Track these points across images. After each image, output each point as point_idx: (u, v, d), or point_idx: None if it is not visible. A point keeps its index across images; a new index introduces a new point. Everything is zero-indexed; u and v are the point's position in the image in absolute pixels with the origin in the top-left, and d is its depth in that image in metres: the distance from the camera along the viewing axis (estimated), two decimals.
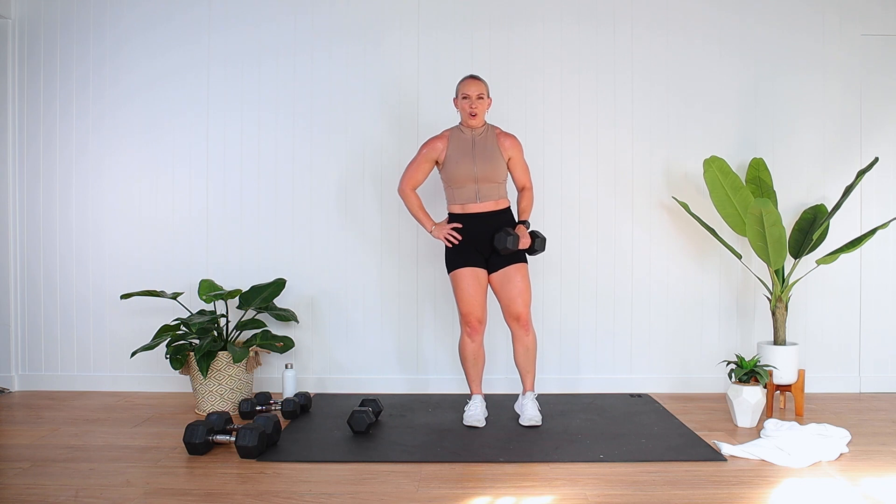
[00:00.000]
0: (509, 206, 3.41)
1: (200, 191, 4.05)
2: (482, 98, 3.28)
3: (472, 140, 3.33)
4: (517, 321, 3.35)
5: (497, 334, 3.95)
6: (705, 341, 4.07)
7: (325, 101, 4.03)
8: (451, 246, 3.34)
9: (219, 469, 2.77)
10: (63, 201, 4.08)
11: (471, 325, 3.33)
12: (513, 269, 3.32)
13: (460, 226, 3.33)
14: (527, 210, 3.43)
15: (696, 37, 4.04)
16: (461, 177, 3.29)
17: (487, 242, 3.33)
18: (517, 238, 3.26)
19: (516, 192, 3.51)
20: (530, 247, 3.35)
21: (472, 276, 3.31)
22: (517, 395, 3.67)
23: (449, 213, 3.42)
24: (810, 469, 2.78)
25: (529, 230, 3.39)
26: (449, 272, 3.37)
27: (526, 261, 3.38)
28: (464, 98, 3.28)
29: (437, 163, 3.38)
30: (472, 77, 3.32)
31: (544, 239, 3.42)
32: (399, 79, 4.03)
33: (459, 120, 3.39)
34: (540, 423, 3.31)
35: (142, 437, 3.20)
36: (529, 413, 3.33)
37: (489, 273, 3.36)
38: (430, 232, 3.39)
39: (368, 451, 2.99)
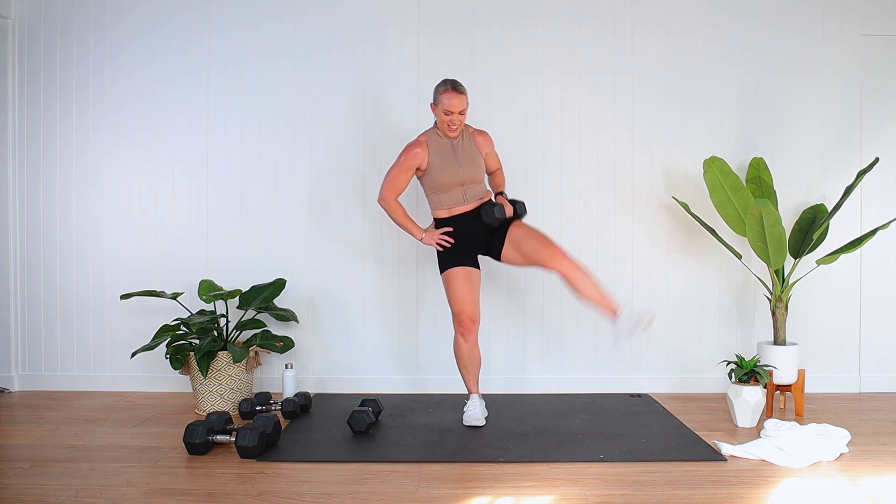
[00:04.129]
0: (491, 198, 3.44)
1: (200, 191, 4.05)
2: (463, 113, 3.23)
3: (451, 143, 3.31)
4: (556, 259, 3.18)
5: (494, 334, 3.95)
6: (705, 341, 4.07)
7: (326, 101, 4.03)
8: (442, 250, 3.35)
9: (219, 469, 2.77)
10: (63, 201, 4.08)
11: (463, 324, 3.32)
12: (515, 229, 3.34)
13: (451, 229, 3.33)
14: (501, 183, 3.51)
15: (696, 37, 4.04)
16: (448, 182, 3.28)
17: (479, 239, 3.34)
18: (502, 206, 3.31)
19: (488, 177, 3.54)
20: (514, 213, 3.40)
21: (464, 274, 3.31)
22: (518, 395, 3.67)
23: (435, 219, 3.39)
24: (810, 469, 2.78)
25: (507, 199, 3.44)
26: (441, 272, 3.37)
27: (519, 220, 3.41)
28: (446, 114, 3.21)
29: (417, 170, 3.32)
30: (455, 90, 3.19)
31: (523, 203, 3.47)
32: (399, 79, 4.03)
33: (434, 122, 3.34)
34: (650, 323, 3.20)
35: (142, 437, 3.20)
36: (631, 324, 3.16)
37: (500, 257, 3.37)
38: (421, 239, 3.36)
39: (368, 451, 2.99)
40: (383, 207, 3.38)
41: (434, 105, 3.26)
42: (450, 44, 4.02)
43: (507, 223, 3.36)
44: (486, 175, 3.42)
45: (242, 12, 4.03)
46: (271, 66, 4.03)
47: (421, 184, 3.41)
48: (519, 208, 3.43)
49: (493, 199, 3.42)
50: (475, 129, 3.40)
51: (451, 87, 3.21)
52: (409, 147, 3.30)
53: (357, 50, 4.03)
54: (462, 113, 3.22)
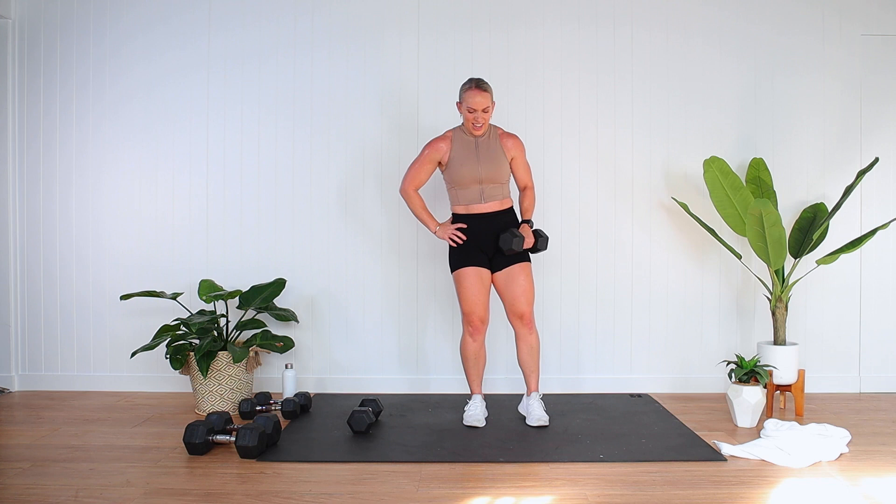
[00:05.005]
0: (512, 206, 3.42)
1: (200, 191, 4.05)
2: (487, 111, 3.25)
3: (475, 141, 3.33)
4: (521, 320, 3.36)
5: (498, 334, 3.95)
6: (705, 341, 4.07)
7: (325, 101, 4.03)
8: (455, 246, 3.35)
9: (219, 469, 2.77)
10: (63, 201, 4.08)
11: (473, 324, 3.33)
12: (517, 269, 3.33)
13: (465, 226, 3.33)
14: (530, 209, 3.45)
15: (696, 37, 4.04)
16: (465, 178, 3.30)
17: (491, 242, 3.33)
18: (522, 239, 3.28)
19: (518, 192, 3.52)
20: (533, 245, 3.37)
21: (475, 275, 3.32)
22: (518, 395, 3.67)
23: (453, 214, 3.42)
24: (810, 469, 2.78)
25: (533, 229, 3.40)
26: (452, 271, 3.38)
27: (529, 260, 3.39)
28: (470, 111, 3.24)
29: (439, 164, 3.38)
30: (479, 87, 3.22)
31: (547, 238, 3.44)
32: (399, 79, 4.03)
33: (461, 121, 3.39)
34: (548, 424, 3.32)
35: (142, 437, 3.20)
36: (537, 413, 3.33)
37: (493, 272, 3.37)
38: (435, 232, 3.39)
39: (368, 451, 2.99)
40: (403, 197, 3.45)
41: (459, 103, 3.31)
42: (450, 44, 4.02)
43: (521, 253, 3.35)
44: (508, 179, 3.40)
45: (242, 12, 4.03)
46: (271, 65, 4.03)
47: (443, 178, 3.45)
48: (540, 243, 3.40)
49: (516, 229, 3.34)
50: (505, 132, 3.40)
51: (475, 85, 3.24)
52: (433, 141, 3.37)
53: (357, 49, 4.03)
54: (486, 111, 3.24)
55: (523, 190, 3.48)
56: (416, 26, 4.03)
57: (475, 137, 3.33)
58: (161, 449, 3.01)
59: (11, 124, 4.06)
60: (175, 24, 4.03)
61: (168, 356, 3.55)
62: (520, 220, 3.43)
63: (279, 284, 3.85)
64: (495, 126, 3.41)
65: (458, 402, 3.66)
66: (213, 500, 2.47)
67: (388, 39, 4.03)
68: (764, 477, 2.69)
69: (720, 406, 3.72)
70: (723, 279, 4.08)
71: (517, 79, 4.03)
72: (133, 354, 3.60)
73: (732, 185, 3.67)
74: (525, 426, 3.32)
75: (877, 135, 4.05)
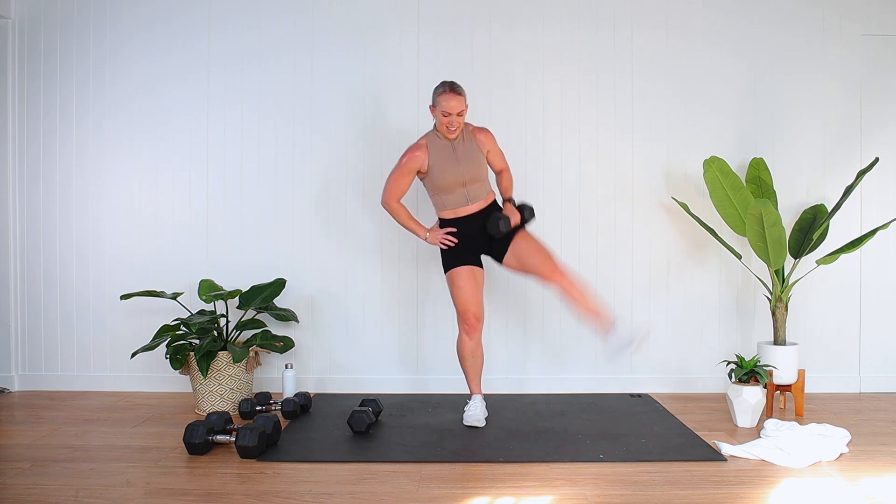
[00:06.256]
0: (495, 199, 3.43)
1: (200, 190, 4.05)
2: (461, 114, 3.24)
3: (451, 144, 3.32)
4: (558, 275, 3.29)
5: (495, 334, 3.95)
6: (705, 341, 4.07)
7: (326, 100, 4.03)
8: (446, 249, 3.35)
9: (219, 469, 2.77)
10: (63, 201, 4.08)
11: (468, 322, 3.33)
12: (519, 240, 3.34)
13: (454, 229, 3.33)
14: (509, 188, 3.48)
15: (696, 37, 4.04)
16: (450, 183, 3.28)
17: (482, 240, 3.34)
18: (508, 219, 3.30)
19: (495, 179, 3.54)
20: (521, 219, 3.39)
21: (468, 273, 3.32)
22: (518, 395, 3.67)
23: (439, 219, 3.40)
24: (810, 469, 2.78)
25: (515, 205, 3.42)
26: (445, 272, 3.38)
27: (524, 228, 3.40)
28: (444, 115, 3.22)
29: (419, 172, 3.34)
30: (454, 91, 3.20)
31: (531, 207, 3.45)
32: (399, 78, 4.03)
33: (434, 124, 3.34)
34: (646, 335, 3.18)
35: (142, 437, 3.20)
36: (624, 337, 3.25)
37: (501, 261, 3.38)
38: (425, 239, 3.38)
39: (368, 451, 2.99)
40: (387, 210, 3.41)
41: (433, 107, 3.27)
42: (450, 43, 4.02)
43: (513, 230, 3.36)
44: (488, 173, 3.41)
45: (242, 12, 4.03)
46: (271, 64, 4.03)
47: (424, 185, 3.42)
48: (527, 213, 3.41)
49: (502, 207, 3.39)
50: (475, 127, 3.40)
51: (450, 88, 3.22)
52: (410, 150, 3.32)
53: (357, 49, 4.03)
54: (460, 114, 3.23)
55: (499, 173, 3.49)
56: (417, 26, 4.03)
57: (450, 140, 3.32)
58: (161, 449, 3.01)
59: (11, 124, 4.06)
60: (175, 24, 4.03)
61: (168, 356, 3.54)
62: (501, 204, 3.45)
63: (279, 284, 3.85)
64: (466, 123, 3.40)
65: (458, 402, 3.66)
66: (213, 500, 2.47)
67: (389, 39, 4.03)
68: (764, 477, 2.69)
69: (720, 406, 3.72)
70: (723, 279, 4.08)
71: (517, 79, 4.03)
72: (133, 355, 3.60)
73: (732, 185, 3.67)
74: (525, 426, 3.32)
75: (877, 135, 4.05)
